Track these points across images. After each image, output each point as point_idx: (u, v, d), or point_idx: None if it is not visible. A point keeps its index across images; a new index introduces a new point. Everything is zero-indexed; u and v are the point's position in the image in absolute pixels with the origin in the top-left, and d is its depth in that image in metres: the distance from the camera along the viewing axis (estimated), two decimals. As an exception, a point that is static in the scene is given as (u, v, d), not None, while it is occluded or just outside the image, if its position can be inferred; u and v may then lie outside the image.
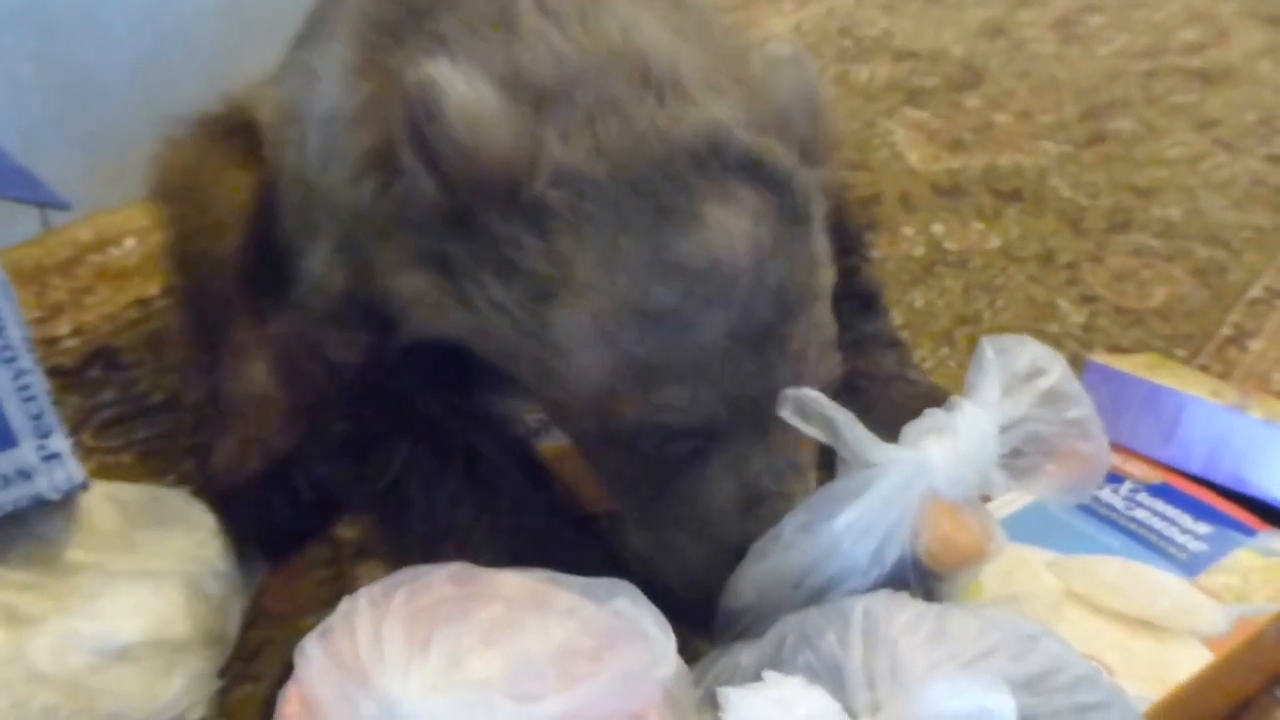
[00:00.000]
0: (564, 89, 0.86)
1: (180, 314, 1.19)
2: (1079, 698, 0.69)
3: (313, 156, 1.02)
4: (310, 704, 0.66)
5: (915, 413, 0.82)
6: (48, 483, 0.88)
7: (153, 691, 0.85)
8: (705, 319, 0.82)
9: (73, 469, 0.89)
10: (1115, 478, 1.02)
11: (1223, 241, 1.52)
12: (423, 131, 0.83)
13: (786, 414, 0.80)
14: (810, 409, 0.80)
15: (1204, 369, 1.29)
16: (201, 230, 1.13)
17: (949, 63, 1.95)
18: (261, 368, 1.07)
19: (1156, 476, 1.04)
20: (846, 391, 0.91)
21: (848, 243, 1.07)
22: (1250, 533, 0.99)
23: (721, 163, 0.84)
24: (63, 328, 1.30)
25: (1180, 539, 0.97)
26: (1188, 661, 0.86)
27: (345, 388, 0.96)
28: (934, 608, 0.74)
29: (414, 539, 0.93)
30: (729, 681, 0.71)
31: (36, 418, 0.87)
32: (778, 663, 0.72)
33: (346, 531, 1.05)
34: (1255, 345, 1.34)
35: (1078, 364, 1.18)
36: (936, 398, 0.84)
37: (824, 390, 0.82)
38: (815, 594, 0.79)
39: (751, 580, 0.82)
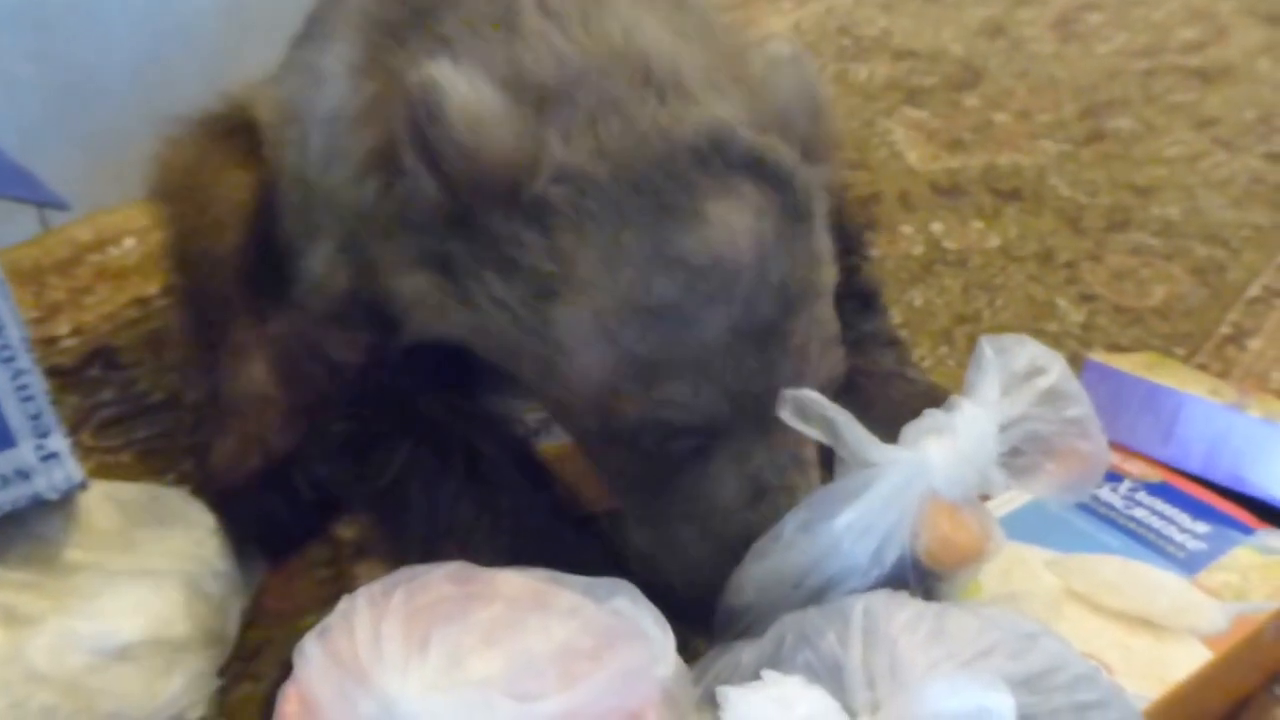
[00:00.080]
0: (566, 89, 0.86)
1: (179, 313, 1.20)
2: (1078, 696, 0.69)
3: (314, 156, 1.02)
4: (309, 703, 0.66)
5: (915, 412, 0.82)
6: (46, 482, 0.88)
7: (152, 691, 0.85)
8: (707, 315, 0.82)
9: (71, 469, 0.89)
10: (1114, 476, 1.02)
11: (1221, 240, 1.52)
12: (424, 132, 0.83)
13: (786, 415, 0.80)
14: (810, 410, 0.80)
15: (1203, 368, 1.29)
16: (201, 229, 1.13)
17: (948, 62, 1.95)
18: (261, 367, 1.07)
19: (1155, 475, 1.04)
20: (846, 390, 0.91)
21: (847, 242, 1.07)
22: (1249, 531, 0.99)
23: (723, 160, 0.84)
24: (61, 327, 1.30)
25: (1179, 538, 0.97)
26: (1187, 660, 0.86)
27: (346, 388, 0.96)
28: (933, 607, 0.74)
29: (413, 539, 0.93)
30: (728, 680, 0.71)
31: (35, 417, 0.87)
32: (777, 662, 0.72)
33: (346, 531, 1.05)
34: (1254, 344, 1.35)
35: (1077, 363, 1.18)
36: (936, 396, 0.85)
37: (826, 388, 0.82)
38: (815, 593, 0.79)
39: (751, 580, 0.82)
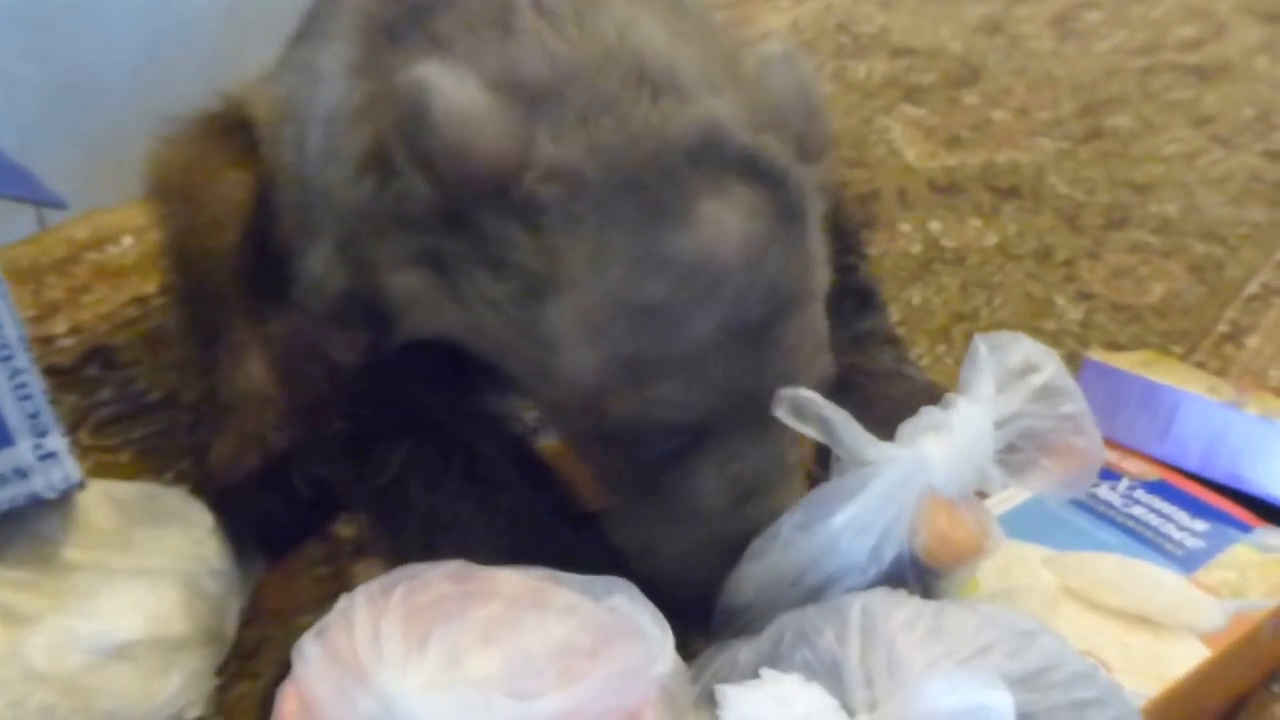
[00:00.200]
0: (557, 88, 0.85)
1: (177, 312, 1.19)
2: (1076, 694, 0.69)
3: (312, 155, 1.02)
4: (308, 702, 0.66)
5: (913, 410, 0.82)
6: (44, 481, 0.88)
7: (150, 690, 0.85)
8: (697, 315, 0.82)
9: (69, 468, 0.89)
10: (1112, 474, 1.02)
11: (1220, 238, 1.52)
12: (413, 131, 0.83)
13: (782, 414, 0.80)
14: (806, 409, 0.80)
15: (1201, 365, 1.29)
16: (198, 228, 1.13)
17: (946, 59, 1.95)
18: (259, 366, 1.07)
19: (1153, 473, 1.04)
20: (844, 389, 0.91)
21: (845, 240, 1.07)
22: (1247, 529, 0.99)
23: (716, 159, 0.83)
24: (59, 326, 1.30)
25: (1177, 535, 0.97)
26: (1185, 657, 0.86)
27: (345, 387, 0.96)
28: (931, 605, 0.74)
29: (412, 537, 0.93)
30: (727, 679, 0.71)
31: (33, 416, 0.87)
32: (775, 660, 0.72)
33: (344, 529, 1.05)
34: (1252, 342, 1.35)
35: (1075, 361, 1.18)
36: (934, 395, 0.84)
37: (817, 389, 0.82)
38: (813, 591, 0.79)
39: (749, 578, 0.82)
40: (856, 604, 0.72)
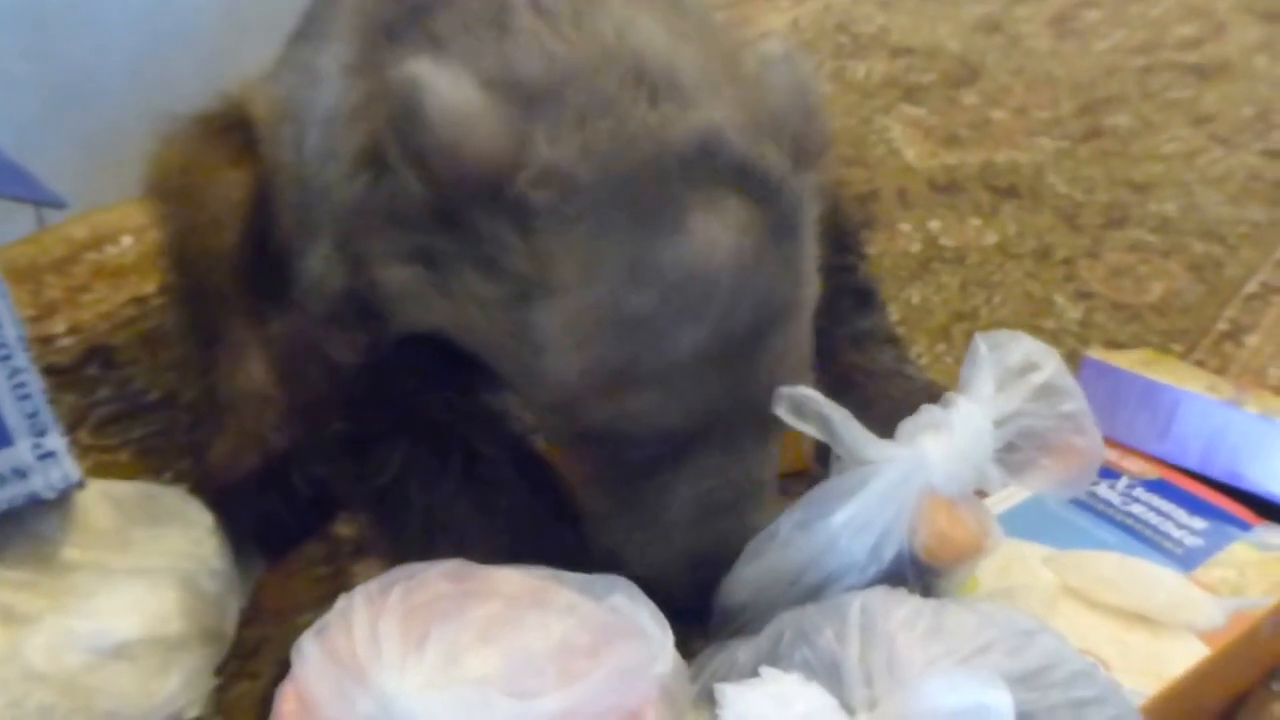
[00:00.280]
0: (555, 88, 0.85)
1: (177, 312, 1.19)
2: (1075, 693, 0.69)
3: (311, 154, 1.02)
4: (307, 701, 0.66)
5: (912, 409, 0.82)
6: (43, 481, 0.88)
7: (149, 689, 0.85)
8: (682, 329, 0.81)
9: (69, 467, 0.89)
10: (1111, 473, 1.02)
11: (1219, 237, 1.52)
12: (406, 128, 0.83)
13: (782, 412, 0.80)
14: (806, 407, 0.80)
15: (1200, 364, 1.29)
16: (198, 228, 1.12)
17: (946, 59, 1.95)
18: (259, 365, 1.07)
19: (1152, 472, 1.04)
20: (843, 388, 0.91)
21: (844, 239, 1.07)
22: (1246, 527, 0.99)
23: (712, 169, 0.83)
24: (58, 326, 1.30)
25: (1176, 534, 0.97)
26: (1184, 656, 0.86)
27: (344, 387, 0.96)
28: (931, 603, 0.74)
29: (412, 537, 0.93)
30: (726, 678, 0.71)
31: (32, 416, 0.87)
32: (775, 659, 0.72)
33: (344, 529, 1.05)
34: (1251, 340, 1.35)
35: (1075, 360, 1.18)
36: (934, 394, 0.84)
37: None
38: (813, 590, 0.80)
39: (749, 577, 0.82)
40: (856, 603, 0.72)
